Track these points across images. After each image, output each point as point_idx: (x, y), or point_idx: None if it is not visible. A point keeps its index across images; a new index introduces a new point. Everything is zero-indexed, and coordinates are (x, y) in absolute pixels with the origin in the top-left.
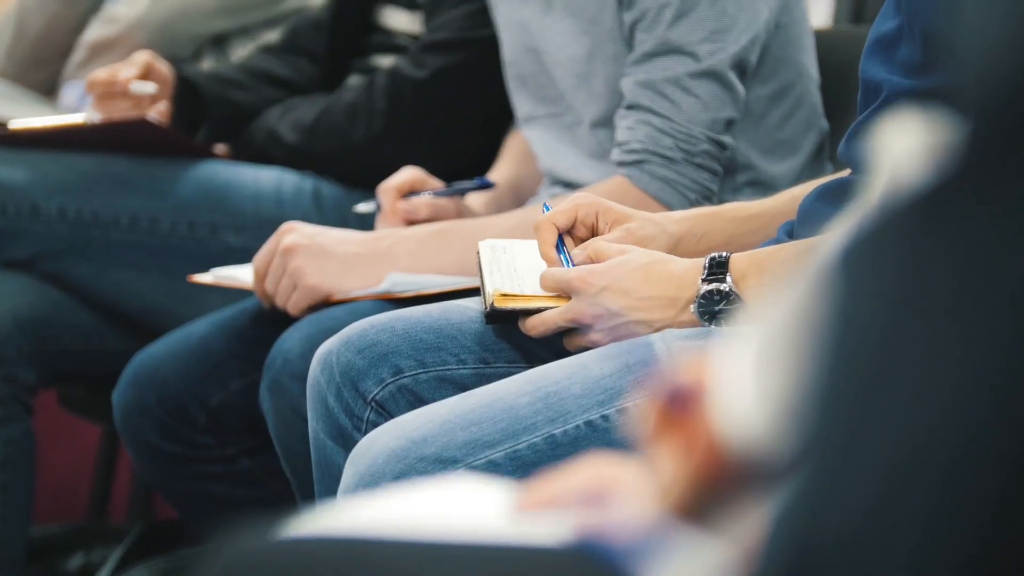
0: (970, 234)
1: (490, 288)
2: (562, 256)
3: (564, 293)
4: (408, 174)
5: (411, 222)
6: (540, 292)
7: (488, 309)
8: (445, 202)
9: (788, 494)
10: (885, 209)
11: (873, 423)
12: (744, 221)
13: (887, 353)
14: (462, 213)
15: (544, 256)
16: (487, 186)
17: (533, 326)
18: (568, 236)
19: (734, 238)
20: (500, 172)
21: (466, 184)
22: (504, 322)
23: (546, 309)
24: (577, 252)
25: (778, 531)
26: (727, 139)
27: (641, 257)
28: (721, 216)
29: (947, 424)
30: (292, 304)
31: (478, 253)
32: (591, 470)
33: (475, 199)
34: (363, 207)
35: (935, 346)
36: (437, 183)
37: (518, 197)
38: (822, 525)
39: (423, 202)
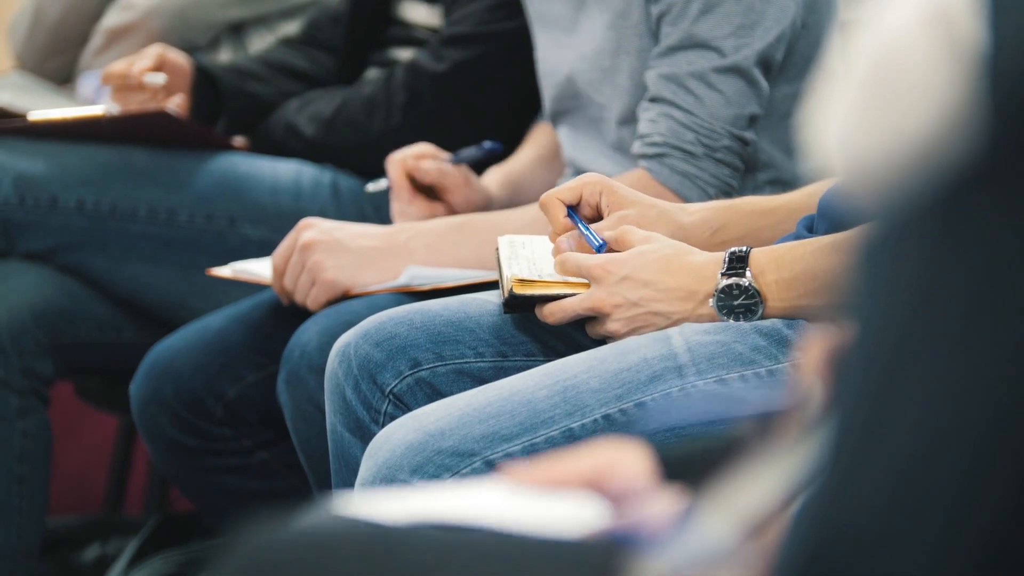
0: (988, 234)
1: (508, 274)
2: (580, 225)
3: (584, 280)
4: (418, 148)
5: (417, 185)
6: (559, 279)
7: (507, 296)
8: (452, 169)
9: (810, 487)
10: (905, 209)
11: (892, 418)
12: (762, 215)
13: (906, 349)
14: (470, 181)
15: (555, 224)
16: (495, 151)
17: (551, 312)
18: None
19: (751, 232)
20: (521, 156)
21: (472, 151)
22: (522, 310)
23: (564, 296)
24: (608, 234)
25: (799, 522)
26: (750, 135)
27: (663, 248)
28: (739, 209)
29: (964, 419)
30: (311, 300)
31: (496, 249)
32: (593, 456)
33: (491, 178)
34: (373, 186)
35: (953, 343)
36: (446, 156)
37: (534, 182)
38: (843, 516)
39: (431, 166)
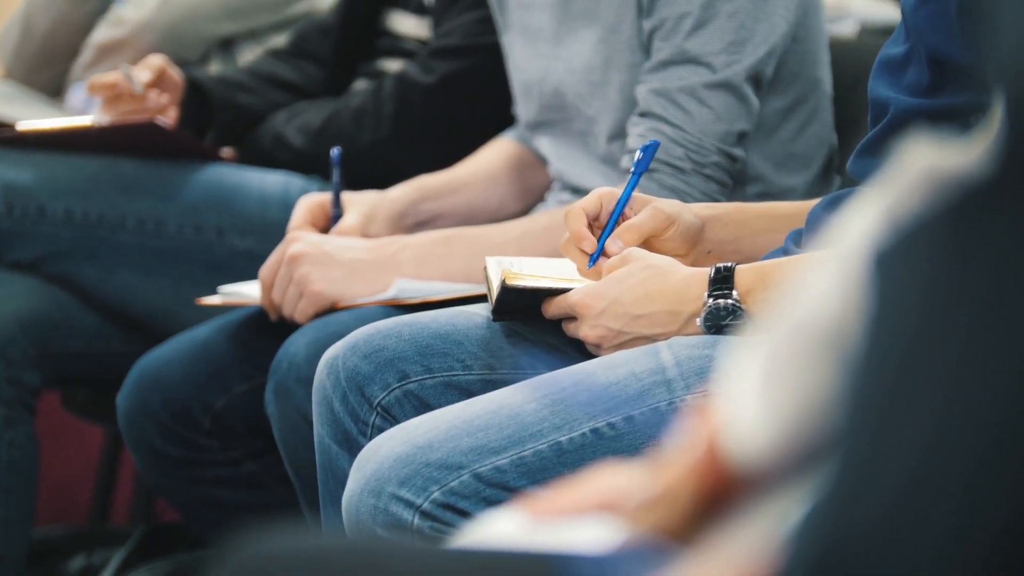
0: (1000, 241)
1: (497, 282)
2: (606, 230)
3: (575, 277)
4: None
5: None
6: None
7: (497, 292)
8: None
9: (816, 489)
10: (918, 215)
11: (901, 420)
12: (775, 219)
13: (916, 354)
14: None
15: (573, 233)
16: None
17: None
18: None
19: (763, 232)
20: (468, 166)
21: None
22: (511, 317)
23: (555, 289)
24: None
25: (806, 526)
26: (738, 152)
27: (639, 272)
28: (751, 209)
29: (971, 427)
30: (299, 312)
31: (485, 268)
32: (603, 480)
33: (413, 186)
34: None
35: (964, 347)
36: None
37: (466, 194)
38: (850, 519)
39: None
